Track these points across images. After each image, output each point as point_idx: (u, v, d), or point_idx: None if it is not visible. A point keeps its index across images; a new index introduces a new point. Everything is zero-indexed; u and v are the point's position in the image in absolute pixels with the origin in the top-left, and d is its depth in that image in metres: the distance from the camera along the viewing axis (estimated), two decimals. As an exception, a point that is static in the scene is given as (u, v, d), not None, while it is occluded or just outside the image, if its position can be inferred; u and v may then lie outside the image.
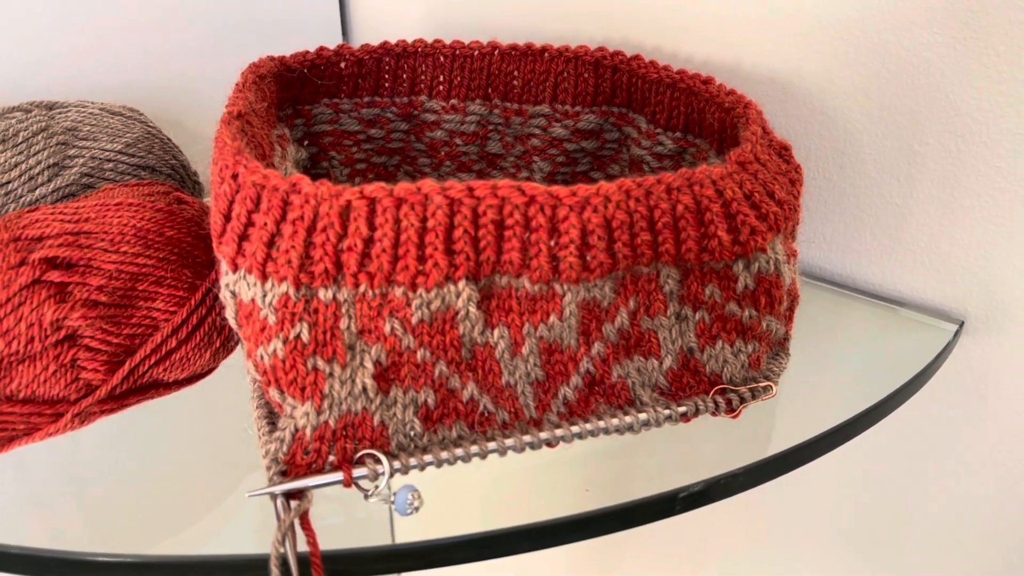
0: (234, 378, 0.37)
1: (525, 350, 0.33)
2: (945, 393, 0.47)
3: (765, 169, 0.35)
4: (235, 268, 0.31)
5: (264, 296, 0.31)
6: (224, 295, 0.32)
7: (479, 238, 0.31)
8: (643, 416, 0.35)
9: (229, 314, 0.32)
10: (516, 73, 0.49)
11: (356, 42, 0.67)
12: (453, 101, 0.49)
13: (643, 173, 0.48)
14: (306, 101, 0.47)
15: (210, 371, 0.37)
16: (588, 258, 0.32)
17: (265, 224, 0.31)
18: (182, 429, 0.40)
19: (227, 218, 0.32)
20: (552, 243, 0.32)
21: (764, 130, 0.38)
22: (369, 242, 0.31)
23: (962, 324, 0.45)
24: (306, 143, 0.48)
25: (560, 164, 0.50)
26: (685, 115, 0.45)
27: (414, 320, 0.32)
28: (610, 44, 0.52)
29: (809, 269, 0.51)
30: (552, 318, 0.33)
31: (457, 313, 0.32)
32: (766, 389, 0.37)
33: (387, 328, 0.32)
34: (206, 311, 0.34)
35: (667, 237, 0.33)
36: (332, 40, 0.65)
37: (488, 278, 0.32)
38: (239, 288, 0.31)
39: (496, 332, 0.33)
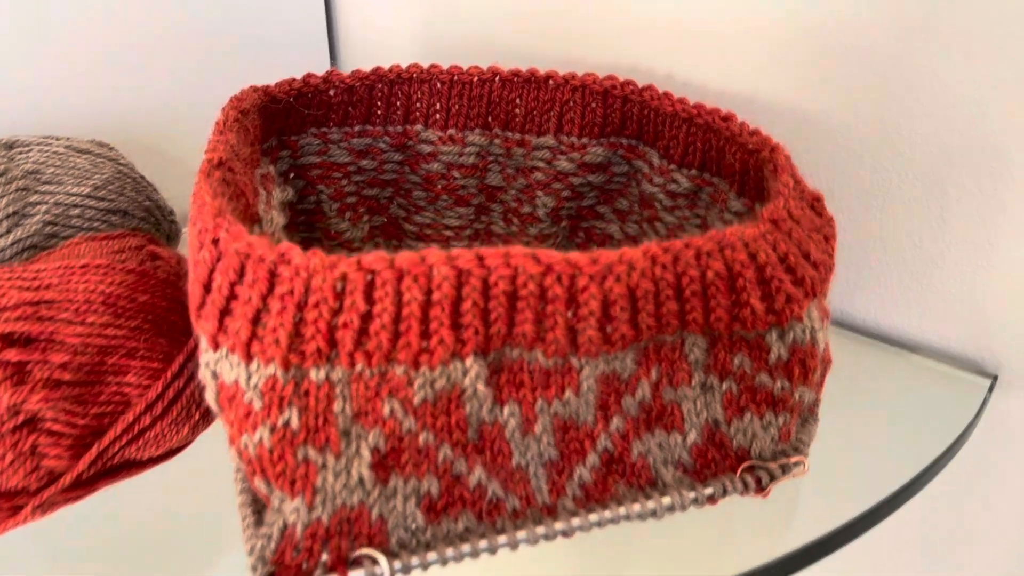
0: (213, 445, 0.34)
1: (538, 428, 0.30)
2: (972, 452, 0.44)
3: (799, 227, 0.33)
4: (216, 346, 0.28)
5: (249, 378, 0.28)
6: (203, 375, 0.29)
7: (489, 311, 0.29)
8: (667, 500, 0.32)
9: (209, 396, 0.29)
10: (518, 101, 0.46)
11: (345, 66, 0.64)
12: (451, 131, 0.46)
13: (655, 210, 0.45)
14: (292, 132, 0.44)
15: (188, 444, 0.34)
16: (609, 330, 0.29)
17: (250, 299, 0.27)
18: (156, 500, 0.37)
19: (207, 289, 0.28)
20: (570, 315, 0.29)
21: (795, 179, 0.35)
22: (367, 318, 0.28)
23: (995, 379, 0.43)
24: (292, 176, 0.45)
25: (565, 199, 0.47)
26: (702, 152, 0.42)
27: (416, 401, 0.29)
28: (618, 70, 0.49)
29: (832, 314, 0.48)
30: (568, 393, 0.30)
31: (464, 391, 0.29)
32: (797, 464, 0.34)
33: (386, 410, 0.29)
34: (184, 383, 0.31)
35: (695, 306, 0.30)
36: (319, 62, 0.62)
37: (498, 351, 0.29)
38: (220, 368, 0.28)
39: (506, 409, 0.30)
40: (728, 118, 0.41)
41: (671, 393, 0.33)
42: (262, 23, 0.59)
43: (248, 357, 0.28)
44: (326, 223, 0.46)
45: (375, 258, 0.28)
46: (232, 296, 0.28)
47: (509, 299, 0.28)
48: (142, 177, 0.41)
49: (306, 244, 0.47)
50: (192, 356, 0.33)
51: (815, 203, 0.35)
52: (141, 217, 0.39)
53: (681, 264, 0.30)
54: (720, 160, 0.41)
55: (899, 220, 0.44)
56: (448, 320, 0.28)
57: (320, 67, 0.61)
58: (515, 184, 0.48)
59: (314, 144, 0.45)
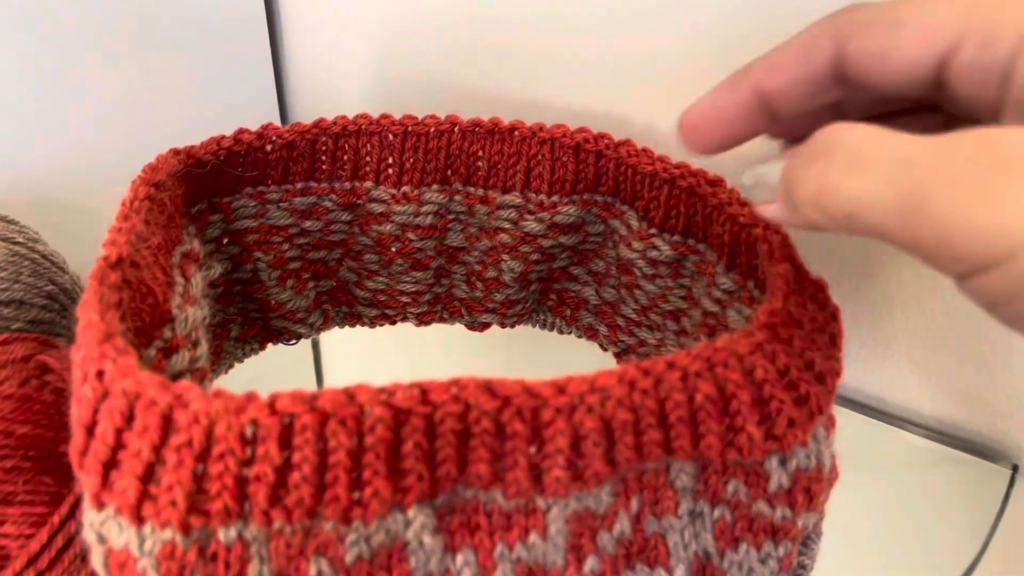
0: None
1: None
2: (1000, 549, 0.40)
3: (801, 331, 0.28)
4: (100, 506, 0.24)
5: (141, 543, 0.23)
6: (88, 537, 0.24)
7: (436, 451, 0.24)
8: (649, 657, 0.28)
9: (96, 561, 0.24)
10: (481, 154, 0.41)
11: (296, 114, 0.58)
12: (405, 188, 0.41)
13: (634, 277, 0.41)
14: (224, 192, 0.39)
15: None
16: (580, 467, 0.25)
17: (140, 451, 0.23)
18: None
19: (90, 433, 0.24)
20: (533, 452, 0.25)
21: (795, 266, 0.31)
22: (284, 469, 0.23)
23: (1016, 468, 0.38)
24: (225, 242, 0.40)
25: (534, 262, 0.42)
26: (686, 217, 0.37)
27: (348, 559, 0.25)
28: (591, 117, 0.44)
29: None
30: (533, 537, 0.26)
31: (407, 544, 0.25)
32: (800, 603, 0.30)
33: (313, 571, 0.24)
34: (76, 528, 0.26)
35: (681, 433, 0.26)
36: (266, 110, 0.57)
37: (448, 493, 0.25)
38: (107, 531, 0.24)
39: (460, 558, 0.26)
40: (716, 183, 0.36)
41: (654, 524, 0.28)
42: (206, 64, 0.54)
43: (139, 520, 0.23)
44: (265, 293, 0.41)
45: (291, 399, 0.23)
46: (119, 445, 0.23)
47: (459, 437, 0.24)
48: (45, 255, 0.36)
49: (244, 318, 0.42)
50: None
51: (818, 294, 0.31)
52: (41, 306, 0.34)
53: (664, 388, 0.26)
54: (706, 228, 0.37)
55: (906, 288, 0.40)
56: (384, 468, 0.24)
57: (268, 115, 0.56)
58: (478, 245, 0.43)
59: (250, 206, 0.40)
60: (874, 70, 0.26)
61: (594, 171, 0.40)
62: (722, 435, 0.26)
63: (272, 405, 0.23)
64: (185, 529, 0.23)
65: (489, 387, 0.24)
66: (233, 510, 0.23)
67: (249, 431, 0.23)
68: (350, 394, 0.23)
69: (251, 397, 0.23)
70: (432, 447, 0.24)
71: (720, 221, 0.36)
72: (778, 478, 0.28)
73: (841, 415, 0.31)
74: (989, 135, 0.20)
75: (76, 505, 0.28)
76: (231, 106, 0.55)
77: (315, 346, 0.59)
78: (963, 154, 0.20)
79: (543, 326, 0.46)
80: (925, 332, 0.40)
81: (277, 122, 0.41)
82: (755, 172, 0.29)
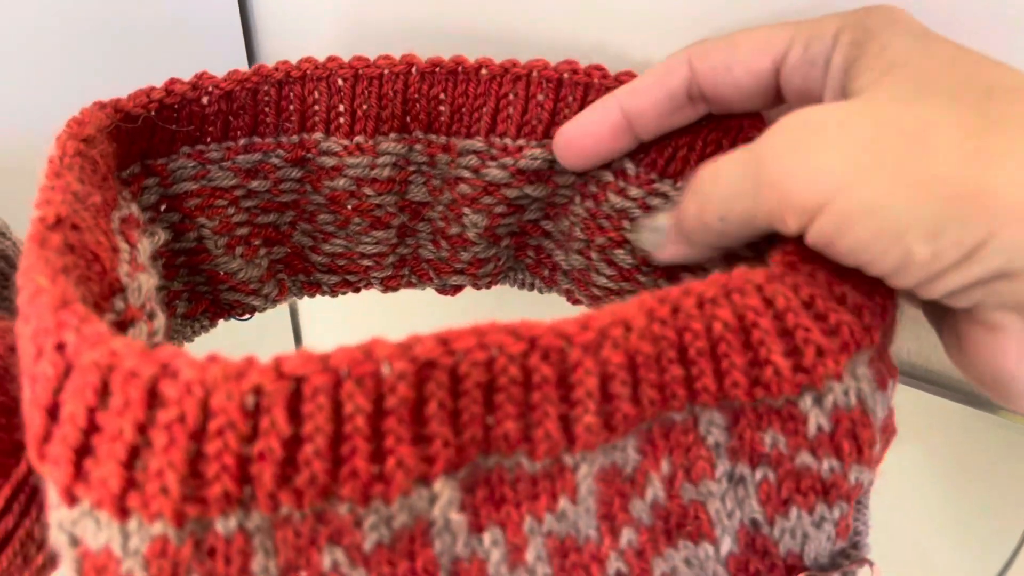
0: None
1: (529, 556, 0.24)
2: None
3: (828, 266, 0.27)
4: (72, 501, 0.20)
5: (126, 542, 0.20)
6: (56, 539, 0.21)
7: (460, 411, 0.22)
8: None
9: (67, 568, 0.21)
10: (443, 97, 0.38)
11: (264, 58, 0.54)
12: (358, 139, 0.38)
13: (620, 233, 0.38)
14: (159, 153, 0.35)
15: None
16: (609, 411, 0.23)
17: (120, 433, 0.20)
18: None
19: (52, 417, 0.20)
20: (561, 400, 0.23)
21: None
22: (294, 443, 0.21)
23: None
24: (164, 208, 0.36)
25: (500, 216, 0.39)
26: (698, 158, 0.35)
27: (367, 546, 0.22)
28: (579, 51, 0.41)
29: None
30: (563, 502, 0.24)
31: (432, 525, 0.22)
32: (863, 566, 0.28)
33: (327, 563, 0.22)
34: (15, 520, 0.23)
35: (704, 369, 0.25)
36: (232, 54, 0.52)
37: (472, 464, 0.23)
38: (82, 531, 0.21)
39: (487, 537, 0.23)
40: (754, 117, 0.34)
41: (691, 491, 0.26)
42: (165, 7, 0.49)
43: (123, 514, 0.20)
44: (213, 263, 0.38)
45: (300, 359, 0.20)
46: (92, 428, 0.20)
47: (485, 393, 0.22)
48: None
49: (190, 293, 0.38)
50: (24, 484, 0.25)
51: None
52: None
53: (682, 316, 0.24)
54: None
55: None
56: (408, 433, 0.21)
57: (235, 61, 0.52)
58: (442, 199, 0.40)
59: (188, 167, 0.36)
60: (720, 82, 0.31)
61: (577, 110, 0.37)
62: (746, 369, 0.25)
63: (278, 368, 0.20)
64: (179, 521, 0.20)
65: (514, 331, 0.22)
66: (234, 495, 0.20)
67: (251, 401, 0.20)
68: (366, 350, 0.21)
69: (251, 361, 0.20)
70: (457, 406, 0.22)
71: None
72: (816, 420, 0.26)
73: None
74: (800, 113, 0.26)
75: (14, 496, 0.24)
76: (193, 52, 0.51)
77: (293, 315, 0.55)
78: (783, 132, 0.25)
79: (522, 286, 0.43)
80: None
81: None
82: (651, 225, 0.34)
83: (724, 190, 0.28)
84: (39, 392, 0.20)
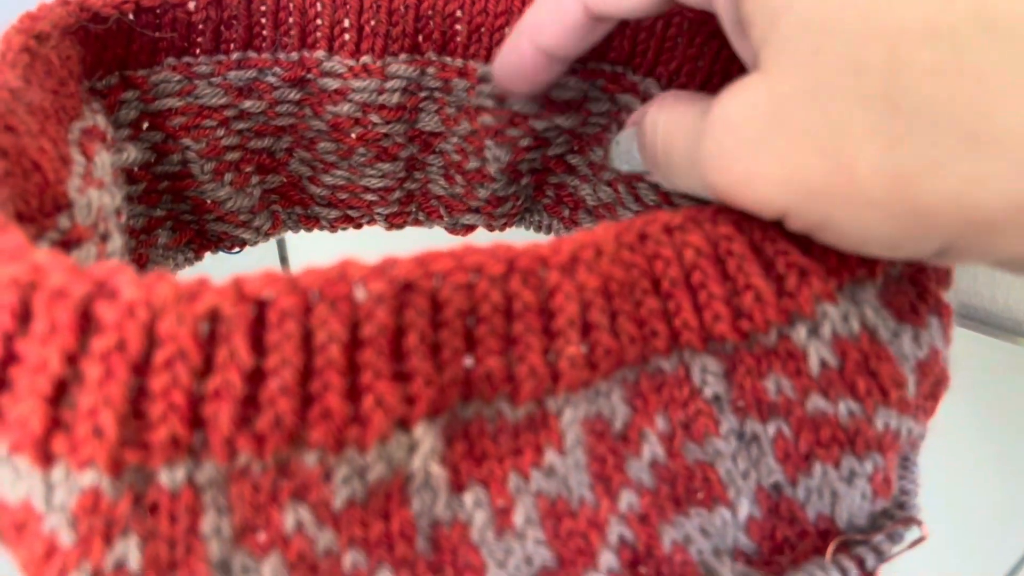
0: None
1: (518, 518, 0.21)
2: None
3: None
4: (-12, 442, 0.17)
5: (49, 494, 0.18)
6: (-27, 487, 0.18)
7: (441, 344, 0.20)
8: (727, 613, 0.23)
9: (-13, 519, 0.18)
10: (460, 15, 0.35)
11: None
12: (364, 59, 0.35)
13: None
14: (139, 64, 0.32)
15: None
16: (591, 343, 0.21)
17: (45, 363, 0.17)
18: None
19: (-34, 343, 0.17)
20: (542, 331, 0.21)
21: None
22: (256, 379, 0.18)
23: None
24: (146, 126, 0.33)
25: (525, 149, 0.36)
26: (724, 80, 0.32)
27: (337, 503, 0.19)
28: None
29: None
30: (549, 454, 0.22)
31: (411, 479, 0.20)
32: (909, 528, 0.25)
33: (289, 522, 0.19)
34: None
35: (681, 302, 0.23)
36: None
37: (450, 412, 0.20)
38: None
39: (468, 498, 0.21)
40: None
41: (696, 451, 0.24)
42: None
43: (47, 460, 0.17)
44: (199, 190, 0.35)
45: (264, 279, 0.17)
46: (10, 358, 0.17)
47: (466, 322, 0.20)
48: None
49: (174, 221, 0.35)
50: None
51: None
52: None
53: (650, 244, 0.22)
54: None
55: None
56: (388, 367, 0.18)
57: None
58: (457, 129, 0.37)
59: (173, 81, 0.33)
60: (612, 5, 0.28)
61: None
62: (727, 299, 0.23)
63: (238, 289, 0.17)
64: (115, 469, 0.17)
65: (491, 252, 0.20)
66: (183, 440, 0.17)
67: (205, 327, 0.17)
68: (340, 270, 0.17)
69: (204, 281, 0.17)
70: (437, 339, 0.19)
71: None
72: (817, 352, 0.24)
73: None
74: (712, 115, 0.23)
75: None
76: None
77: (280, 245, 0.51)
78: (712, 141, 0.23)
79: (538, 229, 0.40)
80: None
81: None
82: (617, 138, 0.32)
83: (678, 168, 0.26)
84: (-49, 312, 0.17)
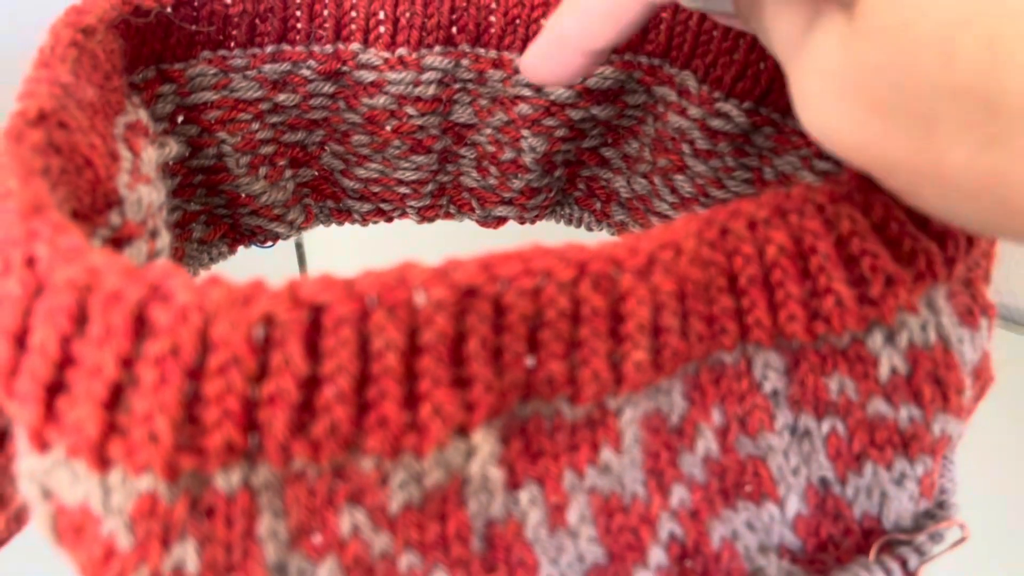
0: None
1: (571, 516, 0.21)
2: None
3: None
4: (43, 446, 0.17)
5: (107, 497, 0.17)
6: (26, 490, 0.18)
7: (503, 349, 0.19)
8: (776, 612, 0.22)
9: (41, 523, 0.18)
10: (494, 6, 0.35)
11: None
12: (400, 51, 0.34)
13: (679, 156, 0.34)
14: (176, 57, 0.32)
15: (5, 541, 0.25)
16: (659, 346, 0.21)
17: (101, 367, 0.17)
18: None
19: (19, 345, 0.17)
20: (610, 335, 0.20)
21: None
22: (311, 384, 0.17)
23: None
24: (181, 120, 0.33)
25: (561, 139, 0.36)
26: (770, 77, 0.31)
27: (394, 508, 0.19)
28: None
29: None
30: (606, 452, 0.21)
31: (467, 483, 0.19)
32: (952, 529, 0.24)
33: (345, 526, 0.19)
34: None
35: (756, 299, 0.22)
36: None
37: (508, 412, 0.20)
38: (55, 482, 0.18)
39: (523, 496, 0.20)
40: None
41: (748, 445, 0.23)
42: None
43: (104, 464, 0.17)
44: (233, 184, 0.34)
45: (319, 284, 0.17)
46: (67, 361, 0.17)
47: (530, 328, 0.19)
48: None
49: (208, 216, 0.35)
50: None
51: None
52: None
53: (731, 239, 0.21)
54: None
55: None
56: (447, 374, 0.18)
57: None
58: (492, 121, 0.36)
59: (209, 74, 0.33)
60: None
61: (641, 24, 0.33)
62: (804, 301, 0.22)
63: (294, 294, 0.16)
64: (171, 474, 0.17)
65: (561, 254, 0.19)
66: (238, 445, 0.17)
67: (260, 332, 0.16)
68: (399, 274, 0.17)
69: (260, 285, 0.17)
70: (499, 343, 0.19)
71: None
72: (889, 360, 0.23)
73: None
74: (803, 45, 0.21)
75: None
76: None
77: (299, 248, 0.51)
78: (794, 66, 0.21)
79: (569, 221, 0.40)
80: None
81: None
82: None
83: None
84: (5, 315, 0.17)
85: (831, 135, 0.20)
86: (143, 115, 0.28)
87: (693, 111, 0.33)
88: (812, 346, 0.23)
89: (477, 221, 0.39)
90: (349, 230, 0.40)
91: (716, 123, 0.33)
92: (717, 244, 0.21)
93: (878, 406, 0.23)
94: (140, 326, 0.16)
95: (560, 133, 0.36)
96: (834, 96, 0.20)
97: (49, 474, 0.17)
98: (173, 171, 0.33)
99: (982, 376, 0.25)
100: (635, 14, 0.26)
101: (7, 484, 0.22)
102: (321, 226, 0.38)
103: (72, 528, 0.17)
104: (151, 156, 0.26)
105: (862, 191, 0.23)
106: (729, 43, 0.32)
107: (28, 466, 0.17)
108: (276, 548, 0.18)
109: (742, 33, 0.32)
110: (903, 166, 0.19)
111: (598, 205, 0.39)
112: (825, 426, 0.23)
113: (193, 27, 0.32)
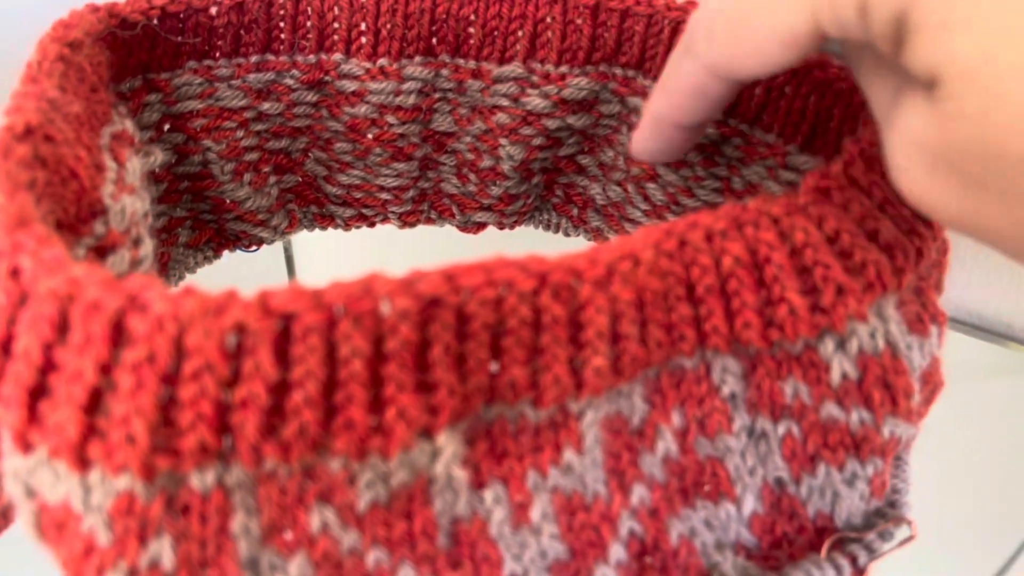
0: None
1: (534, 514, 0.22)
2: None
3: (867, 197, 0.24)
4: (27, 447, 0.18)
5: (87, 496, 0.18)
6: (11, 489, 0.19)
7: (466, 356, 0.20)
8: (729, 606, 0.23)
9: (25, 521, 0.19)
10: (473, 18, 0.35)
11: None
12: (381, 61, 0.35)
13: (651, 166, 0.35)
14: (162, 67, 0.33)
15: None
16: (617, 352, 0.21)
17: (81, 373, 0.17)
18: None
19: (5, 352, 0.18)
20: (570, 342, 0.21)
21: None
22: (281, 390, 0.18)
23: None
24: (167, 128, 0.34)
25: (538, 148, 0.36)
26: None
27: (361, 505, 0.20)
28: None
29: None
30: (568, 453, 0.22)
31: (432, 482, 0.20)
32: (900, 528, 0.25)
33: (315, 523, 0.20)
34: None
35: (713, 308, 0.23)
36: None
37: (472, 416, 0.20)
38: (38, 482, 0.18)
39: (488, 495, 0.21)
40: None
41: (707, 446, 0.24)
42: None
43: (83, 464, 0.18)
44: (219, 190, 0.35)
45: (288, 295, 0.18)
46: (49, 367, 0.18)
47: (492, 336, 0.20)
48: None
49: (194, 221, 0.36)
50: None
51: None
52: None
53: (689, 250, 0.22)
54: (770, 102, 0.32)
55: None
56: (411, 380, 0.19)
57: None
58: (471, 129, 0.37)
59: (195, 84, 0.33)
60: (746, 64, 0.24)
61: (615, 36, 0.34)
62: (759, 309, 0.23)
63: (264, 304, 0.17)
64: (148, 474, 0.18)
65: (522, 266, 0.20)
66: (211, 447, 0.18)
67: (232, 340, 0.17)
68: (364, 285, 0.18)
69: (232, 295, 0.17)
70: (462, 350, 0.19)
71: (803, 92, 0.30)
72: (840, 366, 0.24)
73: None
74: (896, 118, 0.21)
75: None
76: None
77: (287, 251, 0.52)
78: (890, 136, 0.22)
79: (547, 227, 0.41)
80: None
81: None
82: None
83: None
84: (-7, 322, 0.18)
85: (929, 205, 0.21)
86: (129, 124, 0.29)
87: None
88: (768, 352, 0.24)
89: (457, 226, 0.40)
90: (338, 235, 0.41)
91: (684, 133, 0.34)
92: (675, 255, 0.22)
93: (830, 410, 0.24)
94: (118, 334, 0.17)
95: (537, 141, 0.37)
96: (926, 170, 0.20)
97: (32, 474, 0.18)
98: (159, 177, 0.34)
99: (931, 381, 0.26)
100: (717, 92, 0.26)
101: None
102: (306, 231, 0.39)
103: (54, 525, 0.18)
104: (136, 166, 0.27)
105: (816, 205, 0.24)
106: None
107: (12, 466, 0.18)
108: (249, 544, 0.19)
109: None
110: (1005, 234, 0.20)
111: (575, 211, 0.40)
112: (781, 428, 0.24)
113: (179, 38, 0.32)
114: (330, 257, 0.48)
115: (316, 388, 0.18)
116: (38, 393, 0.18)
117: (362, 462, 0.19)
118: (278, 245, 0.51)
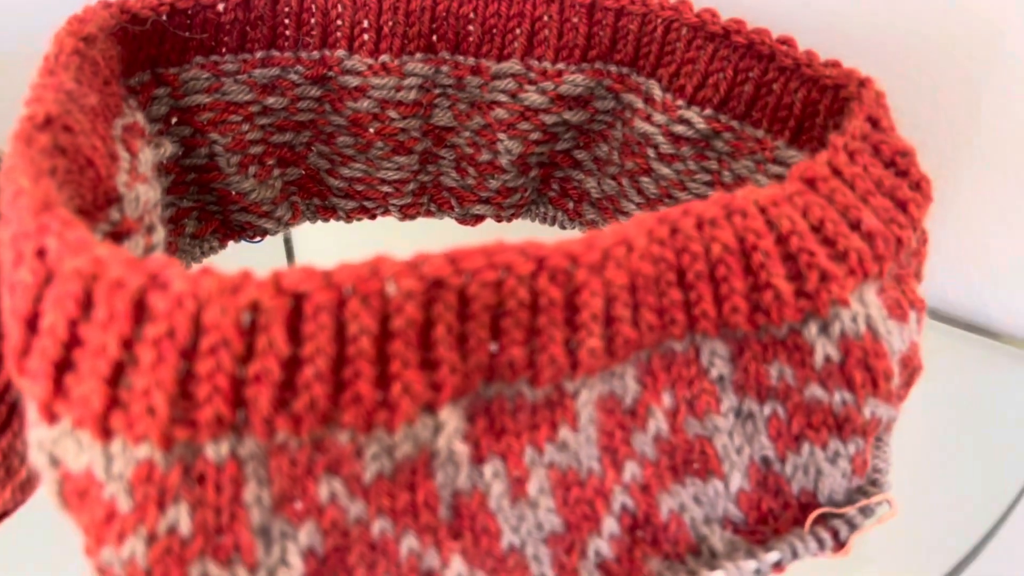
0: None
1: (531, 488, 0.23)
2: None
3: (850, 188, 0.26)
4: (52, 418, 0.19)
5: (109, 464, 0.19)
6: (35, 458, 0.20)
7: (467, 335, 0.21)
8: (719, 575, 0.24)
9: (49, 488, 0.20)
10: (473, 16, 0.36)
11: None
12: (383, 58, 0.36)
13: (644, 160, 0.36)
14: (170, 62, 0.34)
15: (15, 508, 0.26)
16: (612, 333, 0.22)
17: (104, 348, 0.18)
18: None
19: (31, 328, 0.19)
20: (566, 323, 0.22)
21: (875, 125, 0.27)
22: (292, 365, 0.19)
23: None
24: (175, 121, 0.35)
25: (535, 143, 0.37)
26: (729, 85, 0.33)
27: (367, 477, 0.21)
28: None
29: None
30: (563, 431, 0.23)
31: (435, 456, 0.21)
32: (881, 504, 0.26)
33: (324, 494, 0.20)
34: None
35: (703, 294, 0.24)
36: None
37: (473, 392, 0.21)
38: (62, 451, 0.19)
39: (487, 469, 0.22)
40: (788, 42, 0.32)
41: (696, 426, 0.25)
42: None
43: (106, 434, 0.19)
44: (224, 183, 0.36)
45: (301, 275, 0.18)
46: (74, 342, 0.19)
47: (493, 316, 0.21)
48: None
49: (200, 212, 0.37)
50: (5, 396, 0.23)
51: (897, 158, 0.27)
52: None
53: (680, 237, 0.23)
54: (760, 97, 0.33)
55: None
56: (415, 357, 0.20)
57: None
58: (470, 124, 0.38)
59: (202, 78, 0.34)
60: None
61: (611, 34, 0.35)
62: (746, 293, 0.24)
63: (277, 283, 0.18)
64: (167, 444, 0.18)
65: (521, 250, 0.21)
66: (227, 419, 0.19)
67: (247, 318, 0.18)
68: (372, 266, 0.19)
69: (248, 275, 0.18)
70: (464, 329, 0.20)
71: (790, 87, 0.31)
72: (823, 349, 0.25)
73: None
74: None
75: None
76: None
77: (287, 243, 0.53)
78: None
79: (543, 220, 0.42)
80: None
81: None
82: None
83: None
84: (18, 301, 0.19)
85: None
86: (140, 117, 0.30)
87: (658, 117, 0.35)
88: (754, 336, 0.25)
89: (456, 219, 0.41)
90: (335, 226, 0.42)
91: (679, 129, 0.35)
92: (667, 241, 0.23)
93: (814, 391, 0.25)
94: (140, 311, 0.18)
95: (534, 136, 0.38)
96: None
97: (57, 443, 0.19)
98: (167, 169, 0.34)
99: (910, 364, 0.28)
100: None
101: (14, 457, 0.24)
102: (308, 223, 0.40)
103: (77, 493, 0.19)
104: (147, 156, 0.28)
105: (802, 195, 0.25)
106: (692, 54, 0.34)
107: (37, 436, 0.19)
108: (261, 512, 0.20)
109: (703, 45, 0.33)
110: None
111: (571, 205, 0.41)
112: (767, 409, 0.25)
113: (187, 34, 0.33)
114: (328, 247, 0.49)
115: (326, 364, 0.19)
116: (63, 367, 0.18)
117: (368, 435, 0.20)
118: (278, 236, 0.52)
